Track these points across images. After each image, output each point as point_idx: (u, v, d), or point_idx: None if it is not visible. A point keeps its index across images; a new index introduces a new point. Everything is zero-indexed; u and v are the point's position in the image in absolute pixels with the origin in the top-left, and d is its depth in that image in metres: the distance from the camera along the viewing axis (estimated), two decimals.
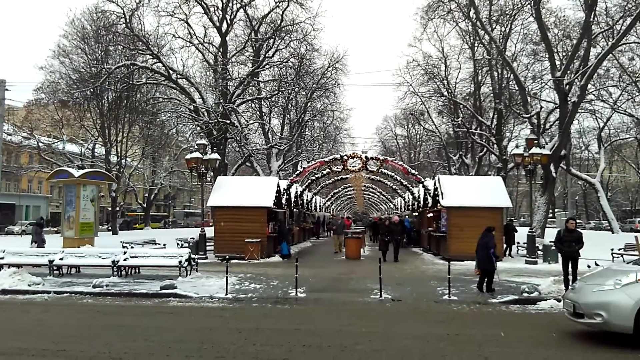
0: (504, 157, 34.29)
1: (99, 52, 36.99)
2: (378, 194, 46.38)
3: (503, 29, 32.85)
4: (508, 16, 31.58)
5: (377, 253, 19.36)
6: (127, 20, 29.77)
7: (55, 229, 47.19)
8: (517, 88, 30.17)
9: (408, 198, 32.94)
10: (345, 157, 24.39)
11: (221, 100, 30.23)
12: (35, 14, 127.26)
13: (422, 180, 25.24)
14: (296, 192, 28.15)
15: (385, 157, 27.61)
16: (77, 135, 45.53)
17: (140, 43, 30.58)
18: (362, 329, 8.00)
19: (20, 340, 7.15)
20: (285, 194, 24.34)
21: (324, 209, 46.59)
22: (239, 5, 32.78)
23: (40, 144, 41.91)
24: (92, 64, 37.27)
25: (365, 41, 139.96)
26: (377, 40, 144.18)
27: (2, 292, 11.62)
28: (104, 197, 42.85)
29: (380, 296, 10.80)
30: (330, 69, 37.96)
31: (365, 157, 24.34)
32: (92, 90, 35.04)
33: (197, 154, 20.60)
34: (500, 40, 31.59)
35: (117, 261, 13.45)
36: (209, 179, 31.76)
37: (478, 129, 38.27)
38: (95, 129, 42.45)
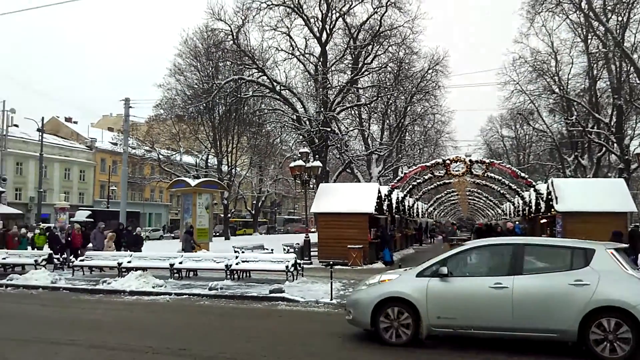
0: (626, 157, 31.32)
1: (210, 68, 39.71)
2: (484, 199, 44.52)
3: (620, 18, 30.17)
4: (625, 4, 28.93)
5: None
6: (234, 37, 31.64)
7: (172, 235, 51.04)
8: (638, 81, 27.49)
9: (518, 203, 31.27)
10: (448, 161, 23.75)
11: (322, 109, 30.96)
12: (154, 37, 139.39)
13: (533, 183, 23.84)
14: (397, 198, 27.92)
15: (492, 160, 26.45)
16: (192, 147, 49.05)
17: (247, 58, 32.32)
18: None
19: (147, 339, 7.87)
20: (387, 200, 24.25)
21: (426, 215, 45.68)
22: (338, 15, 33.42)
23: (160, 156, 45.74)
24: (204, 80, 40.04)
25: (466, 40, 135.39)
26: (478, 38, 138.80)
27: (130, 293, 12.82)
28: (217, 205, 45.64)
29: None
30: (430, 71, 37.31)
31: (470, 160, 23.51)
32: (204, 104, 37.65)
33: (300, 162, 21.28)
34: (618, 31, 29.04)
35: (230, 265, 14.28)
36: (311, 186, 32.59)
37: (595, 127, 35.35)
38: (208, 141, 45.51)
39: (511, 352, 6.67)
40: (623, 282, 6.41)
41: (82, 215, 41.53)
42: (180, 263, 15.08)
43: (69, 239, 18.76)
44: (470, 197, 45.29)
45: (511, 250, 7.10)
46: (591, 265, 6.56)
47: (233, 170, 46.30)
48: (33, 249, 19.50)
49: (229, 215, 49.54)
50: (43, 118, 44.04)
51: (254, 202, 63.03)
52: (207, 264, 15.02)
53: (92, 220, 36.28)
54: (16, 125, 49.90)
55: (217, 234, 44.64)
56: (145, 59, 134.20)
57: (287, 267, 13.69)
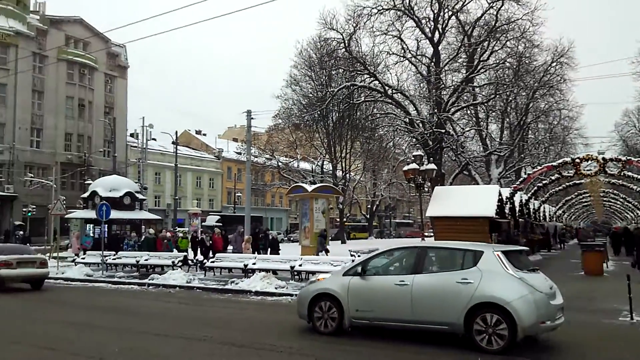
0: None
1: (324, 77, 40.87)
2: (621, 200, 40.33)
3: None
4: None
5: (623, 269, 16.87)
6: (346, 45, 32.22)
7: (291, 238, 53.04)
8: None
9: None
10: (578, 160, 21.95)
11: (435, 110, 30.32)
12: (271, 50, 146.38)
13: None
14: (521, 200, 26.38)
15: (629, 158, 23.94)
16: (308, 154, 50.78)
17: (358, 64, 32.75)
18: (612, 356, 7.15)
19: (268, 337, 8.32)
20: (508, 202, 23.04)
21: (554, 219, 42.48)
22: (450, 14, 32.58)
23: (279, 164, 47.95)
24: (318, 89, 41.31)
25: (592, 29, 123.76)
26: (607, 26, 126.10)
27: (255, 293, 13.63)
28: (332, 209, 46.67)
29: (631, 319, 9.44)
30: (554, 64, 34.83)
31: (603, 158, 21.52)
32: (319, 112, 38.82)
33: (414, 165, 21.03)
34: None
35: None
36: (426, 189, 31.99)
37: None
38: (323, 147, 46.80)
39: (422, 344, 7.42)
40: (502, 280, 7.00)
41: (212, 220, 44.94)
42: (300, 265, 15.69)
43: (211, 242, 20.42)
44: (605, 199, 41.29)
45: (415, 253, 8.00)
46: (478, 265, 7.22)
47: (347, 175, 47.03)
48: (179, 251, 21.60)
49: (344, 219, 50.34)
50: (177, 132, 48.50)
51: (369, 206, 63.36)
52: (325, 267, 15.45)
53: (220, 224, 39.04)
54: (154, 139, 55.41)
55: (332, 237, 45.57)
56: (264, 73, 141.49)
57: None
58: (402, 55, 33.12)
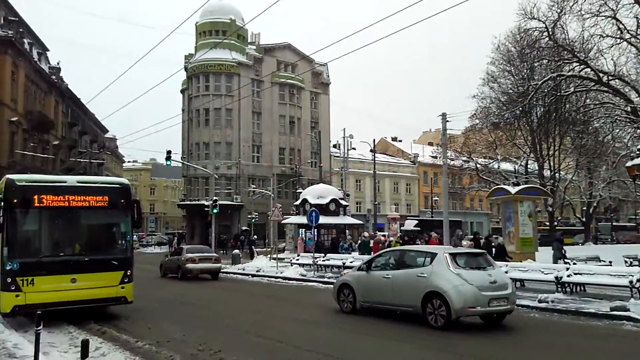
0: None
1: (525, 70, 38.11)
2: None
3: None
4: None
5: None
6: (550, 33, 29.64)
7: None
8: None
9: None
10: None
11: None
12: (468, 52, 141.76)
13: None
14: None
15: None
16: (509, 154, 47.77)
17: (565, 52, 29.82)
18: None
19: (444, 353, 8.26)
20: None
21: None
22: None
23: (477, 165, 46.17)
24: (518, 83, 38.65)
25: None
26: None
27: None
28: (540, 212, 43.07)
29: None
30: None
31: None
32: (520, 109, 36.31)
33: (638, 160, 18.29)
34: None
35: (561, 277, 13.43)
36: None
37: None
38: (526, 146, 43.55)
39: (401, 321, 10.09)
40: (444, 275, 9.24)
41: (410, 225, 45.46)
42: (506, 272, 14.99)
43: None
44: None
45: (398, 254, 11.10)
46: (432, 264, 9.59)
47: (556, 174, 42.86)
48: None
49: (555, 223, 45.94)
50: (374, 140, 50.46)
51: (584, 208, 56.63)
52: (533, 275, 14.52)
53: (419, 229, 39.28)
54: (354, 149, 58.49)
55: (540, 243, 41.90)
56: (460, 75, 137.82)
57: (631, 282, 12.03)
58: (618, 36, 29.04)
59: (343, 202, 34.05)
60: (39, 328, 5.45)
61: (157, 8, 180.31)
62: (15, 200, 9.78)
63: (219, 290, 17.30)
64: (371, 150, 49.34)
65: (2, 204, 9.63)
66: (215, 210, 27.48)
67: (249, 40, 56.18)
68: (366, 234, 25.85)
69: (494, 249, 18.50)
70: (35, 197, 9.95)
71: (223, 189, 49.29)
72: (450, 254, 9.69)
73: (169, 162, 31.23)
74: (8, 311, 9.56)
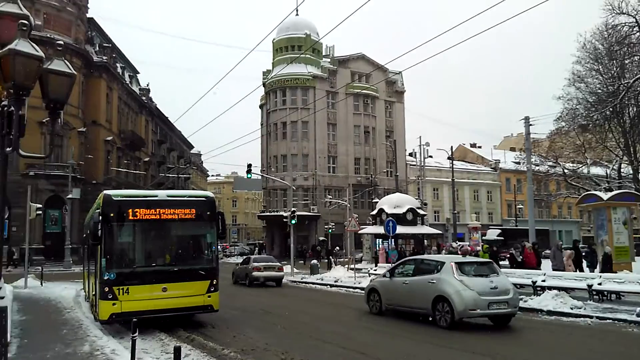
0: None
1: (614, 68, 35.64)
2: None
3: None
4: None
5: None
6: None
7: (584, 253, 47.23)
8: None
9: None
10: None
11: None
12: (547, 52, 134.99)
13: None
14: None
15: None
16: (600, 158, 44.70)
17: None
18: None
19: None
20: None
21: None
22: None
23: (565, 171, 43.57)
24: (607, 82, 36.19)
25: None
26: None
27: (547, 312, 12.81)
28: (637, 220, 39.85)
29: None
30: None
31: None
32: (611, 109, 33.99)
33: None
34: None
35: None
36: None
37: None
38: (618, 148, 40.55)
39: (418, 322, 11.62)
40: (450, 281, 10.85)
41: (492, 234, 43.69)
42: (599, 284, 14.05)
43: (522, 257, 19.13)
44: None
45: (414, 263, 12.81)
46: (441, 271, 11.22)
47: None
48: None
49: None
50: (452, 147, 49.20)
51: None
52: (631, 287, 13.49)
53: (502, 238, 37.70)
54: (431, 156, 57.36)
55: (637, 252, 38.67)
56: (539, 77, 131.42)
57: None
58: None
59: (420, 212, 33.47)
60: (134, 335, 5.86)
61: (231, 28, 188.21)
62: (112, 214, 10.57)
63: (300, 300, 17.61)
64: (449, 158, 48.14)
65: (100, 217, 10.43)
66: (293, 221, 28.05)
67: (324, 53, 57.07)
68: (454, 244, 25.33)
69: (600, 257, 17.37)
70: (130, 210, 10.70)
71: (300, 200, 50.18)
72: (455, 262, 11.22)
73: (249, 175, 32.35)
74: (106, 318, 10.28)
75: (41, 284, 20.82)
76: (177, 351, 4.06)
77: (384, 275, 13.35)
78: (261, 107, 61.39)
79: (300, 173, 52.16)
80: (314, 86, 53.24)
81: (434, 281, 11.08)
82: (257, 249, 49.84)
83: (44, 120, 34.33)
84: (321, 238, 48.53)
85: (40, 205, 25.81)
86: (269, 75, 55.24)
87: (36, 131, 35.75)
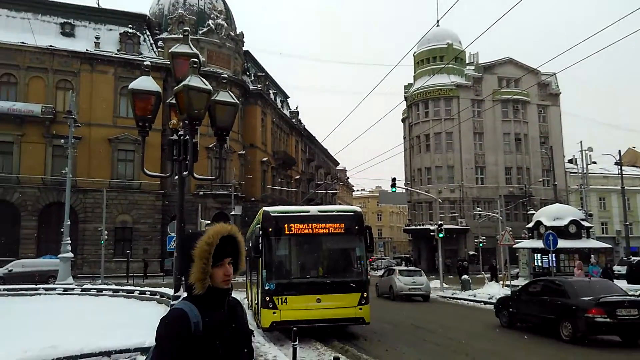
0: None
1: None
2: None
3: None
4: None
5: None
6: None
7: None
8: None
9: None
10: None
11: None
12: None
13: None
14: None
15: None
16: None
17: None
18: None
19: None
20: None
21: None
22: None
23: None
24: None
25: None
26: None
27: None
28: None
29: None
30: None
31: None
32: None
33: None
34: None
35: None
36: None
37: None
38: None
39: None
40: (396, 279, 22.84)
41: None
42: None
43: None
44: None
45: (388, 270, 26.36)
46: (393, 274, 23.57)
47: None
48: None
49: None
50: (620, 151, 43.87)
51: None
52: None
53: None
54: (594, 162, 51.79)
55: None
56: None
57: None
58: None
59: (585, 224, 30.26)
60: (295, 343, 6.24)
61: (368, 47, 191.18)
62: (270, 229, 11.41)
63: (451, 316, 17.06)
64: (616, 163, 42.95)
65: (260, 232, 11.32)
66: (440, 235, 27.33)
67: (468, 61, 55.22)
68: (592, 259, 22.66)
69: None
70: (286, 225, 11.45)
71: (447, 213, 48.68)
72: (399, 270, 23.82)
73: (394, 189, 32.36)
74: (267, 326, 11.07)
75: None
76: None
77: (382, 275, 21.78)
78: (403, 120, 61.27)
79: (446, 185, 50.71)
80: (458, 95, 51.64)
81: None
82: (403, 262, 49.37)
83: (210, 146, 38.35)
84: (471, 252, 46.44)
85: (209, 222, 28.72)
86: (411, 89, 54.97)
87: (203, 156, 40.04)
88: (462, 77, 52.94)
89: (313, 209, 12.37)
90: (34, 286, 21.44)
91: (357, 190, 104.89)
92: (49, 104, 37.68)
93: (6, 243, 34.47)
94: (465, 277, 27.31)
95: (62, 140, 28.20)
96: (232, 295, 2.35)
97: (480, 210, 47.40)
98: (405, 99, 55.39)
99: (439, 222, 28.63)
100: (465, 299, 22.38)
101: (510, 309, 13.71)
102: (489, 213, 45.87)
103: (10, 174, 36.64)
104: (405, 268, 27.70)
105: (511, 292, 15.24)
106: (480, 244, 44.53)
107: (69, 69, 39.24)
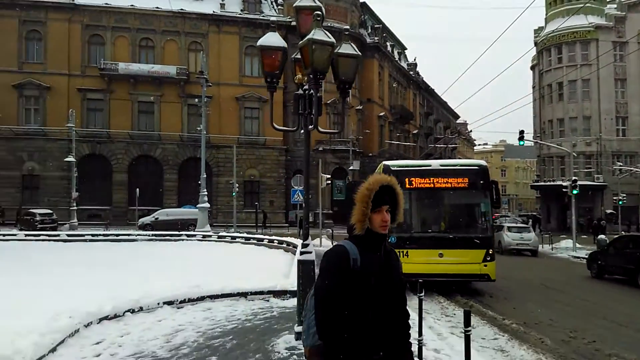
0: None
1: None
2: None
3: None
4: None
5: None
6: None
7: None
8: None
9: None
10: None
11: None
12: None
13: None
14: None
15: None
16: None
17: None
18: None
19: None
20: None
21: None
22: None
23: None
24: None
25: None
26: None
27: None
28: None
29: None
30: None
31: None
32: None
33: None
34: None
35: None
36: None
37: None
38: None
39: None
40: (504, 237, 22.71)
41: None
42: None
43: None
44: None
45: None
46: None
47: None
48: None
49: None
50: None
51: None
52: None
53: None
54: None
55: None
56: None
57: None
58: None
59: None
60: (421, 294, 6.30)
61: None
62: None
63: (583, 278, 15.97)
64: None
65: None
66: (575, 192, 25.30)
67: (608, 0, 48.89)
68: None
69: None
70: (406, 179, 11.37)
71: (581, 168, 44.67)
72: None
73: (522, 143, 30.31)
74: None
75: (332, 243, 23.95)
76: (467, 315, 4.24)
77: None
78: (533, 68, 56.63)
79: (581, 138, 46.27)
80: (597, 38, 46.10)
81: None
82: (530, 220, 46.70)
83: (329, 102, 38.90)
84: (608, 211, 42.52)
85: (329, 176, 29.51)
86: (542, 33, 50.24)
87: (322, 112, 40.70)
88: (602, 17, 47.07)
89: (435, 163, 12.15)
90: (177, 233, 23.90)
91: (479, 145, 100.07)
92: (182, 65, 40.65)
93: (152, 194, 38.59)
94: (601, 236, 25.15)
95: (196, 100, 30.50)
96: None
97: (620, 165, 42.91)
98: (535, 44, 50.86)
99: (573, 178, 26.50)
100: None
101: (599, 262, 15.42)
102: (631, 168, 41.37)
103: (153, 132, 40.54)
104: (514, 225, 27.62)
105: (599, 247, 17.20)
106: (620, 202, 40.55)
107: (199, 31, 41.75)
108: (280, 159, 42.82)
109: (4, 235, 22.83)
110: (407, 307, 2.55)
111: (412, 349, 2.55)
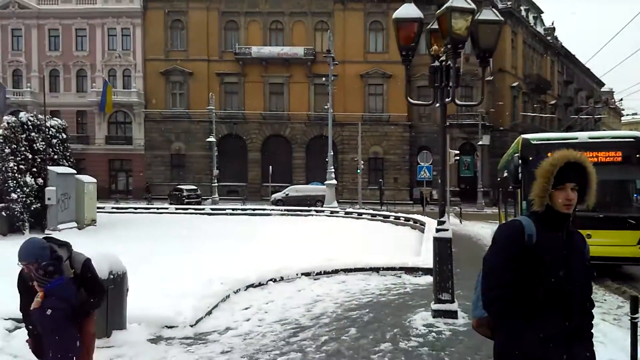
0: None
1: None
2: None
3: None
4: None
5: None
6: None
7: None
8: None
9: None
10: None
11: None
12: None
13: None
14: None
15: None
16: None
17: None
18: None
19: None
20: None
21: None
22: None
23: None
24: None
25: None
26: None
27: None
28: None
29: None
30: None
31: None
32: None
33: None
34: None
35: None
36: None
37: None
38: None
39: None
40: None
41: None
42: None
43: None
44: None
45: None
46: None
47: None
48: None
49: None
50: None
51: None
52: None
53: None
54: None
55: None
56: None
57: None
58: None
59: None
60: None
61: None
62: (530, 158, 10.66)
63: None
64: None
65: (520, 161, 10.68)
66: None
67: None
68: None
69: None
70: (549, 154, 10.49)
71: None
72: None
73: None
74: None
75: (460, 222, 23.22)
76: (634, 301, 3.89)
77: None
78: None
79: None
80: None
81: None
82: None
83: (460, 73, 37.19)
84: None
85: (457, 152, 28.50)
86: None
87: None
88: None
89: (582, 135, 11.09)
90: (307, 208, 24.90)
91: (628, 115, 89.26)
92: (309, 45, 41.62)
93: (282, 171, 40.50)
94: None
95: (323, 79, 31.10)
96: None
97: None
98: None
99: None
100: None
101: None
102: None
103: (282, 112, 42.31)
104: None
105: None
106: None
107: (325, 10, 42.30)
108: (404, 135, 42.21)
109: (157, 208, 25.73)
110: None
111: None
